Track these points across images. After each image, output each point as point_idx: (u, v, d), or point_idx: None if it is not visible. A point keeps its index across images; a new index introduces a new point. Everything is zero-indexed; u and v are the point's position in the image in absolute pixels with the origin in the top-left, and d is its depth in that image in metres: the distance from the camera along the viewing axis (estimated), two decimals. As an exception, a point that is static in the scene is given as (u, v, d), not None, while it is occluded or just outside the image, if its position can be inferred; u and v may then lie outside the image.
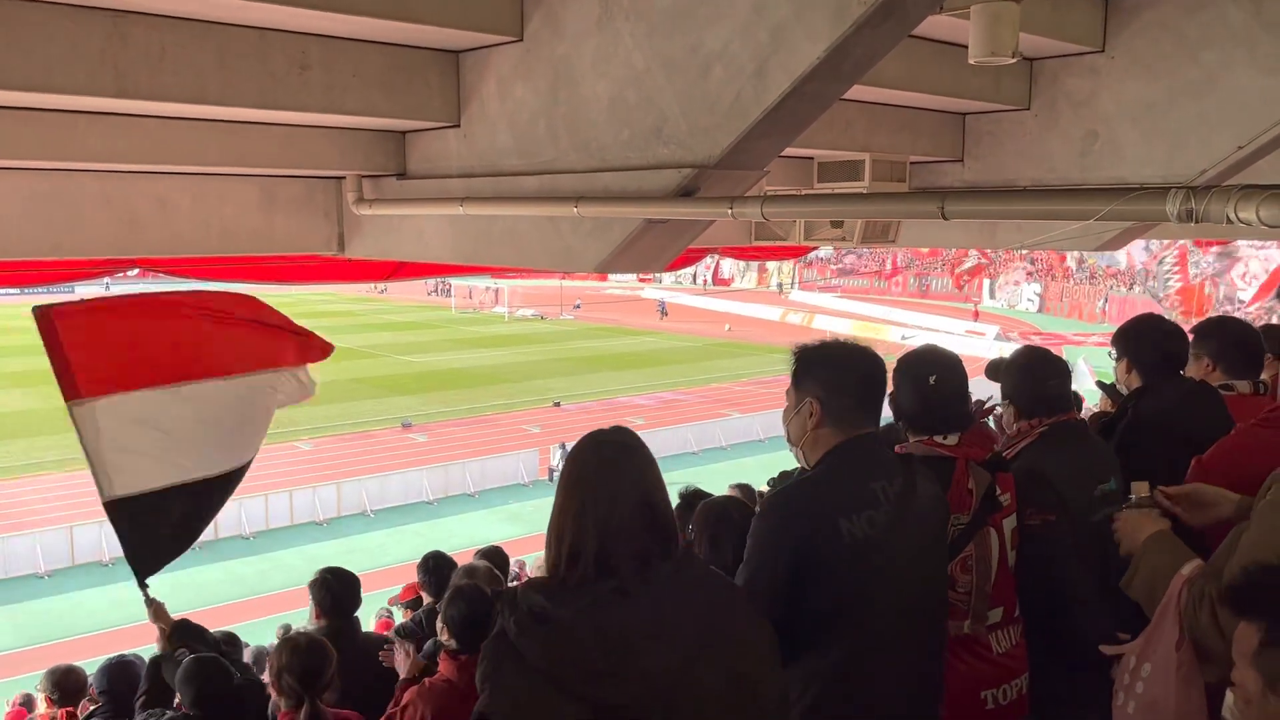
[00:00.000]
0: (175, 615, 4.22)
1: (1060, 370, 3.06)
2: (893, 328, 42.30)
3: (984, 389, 3.40)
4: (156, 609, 4.12)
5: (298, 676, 3.26)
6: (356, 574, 4.41)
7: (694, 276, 70.27)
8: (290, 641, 3.42)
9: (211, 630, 4.72)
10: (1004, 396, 3.11)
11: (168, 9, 3.72)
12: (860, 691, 2.23)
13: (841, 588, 2.19)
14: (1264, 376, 3.44)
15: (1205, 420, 2.99)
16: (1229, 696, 1.42)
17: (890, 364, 2.54)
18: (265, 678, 3.53)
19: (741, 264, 69.02)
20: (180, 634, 3.99)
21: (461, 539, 17.22)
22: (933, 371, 2.72)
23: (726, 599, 2.02)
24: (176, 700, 4.00)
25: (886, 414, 2.82)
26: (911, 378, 2.73)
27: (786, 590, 2.15)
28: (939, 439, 2.70)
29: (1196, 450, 2.85)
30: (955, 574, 2.65)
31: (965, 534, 2.64)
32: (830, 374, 2.34)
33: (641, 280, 71.39)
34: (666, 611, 1.87)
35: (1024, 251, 51.23)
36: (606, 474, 1.92)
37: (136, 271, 7.50)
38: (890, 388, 2.75)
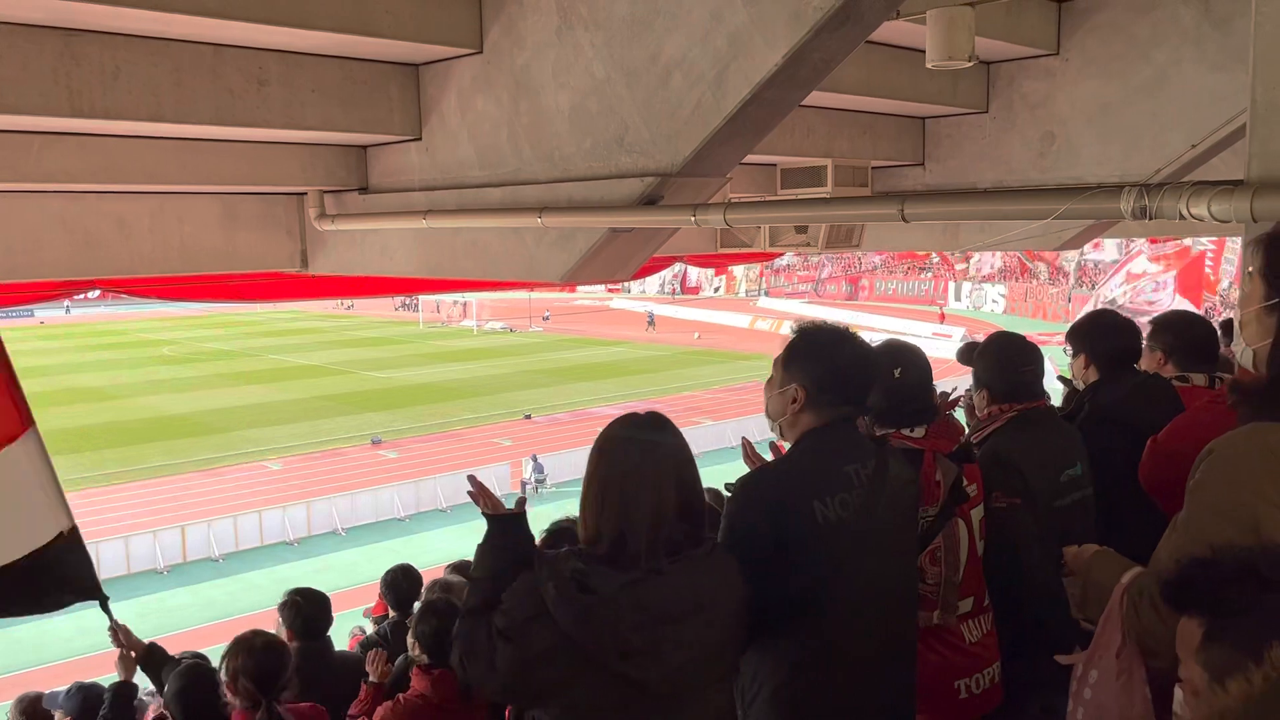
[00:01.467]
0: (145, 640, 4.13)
1: (1035, 357, 3.09)
2: (860, 332, 42.51)
3: (948, 382, 3.43)
4: (125, 634, 3.94)
5: (254, 678, 3.18)
6: (329, 593, 4.36)
7: (662, 285, 70.40)
8: (245, 642, 3.31)
9: (179, 653, 4.64)
10: (976, 381, 3.13)
11: (121, 27, 3.69)
12: (831, 674, 2.24)
13: (815, 569, 2.20)
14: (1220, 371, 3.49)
15: (1158, 411, 3.03)
16: (1178, 693, 1.43)
17: None
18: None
19: (709, 271, 69.27)
20: (149, 659, 3.87)
21: (435, 555, 17.07)
22: (896, 364, 2.75)
23: (740, 577, 2.09)
24: None
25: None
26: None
27: (761, 570, 2.16)
28: (905, 432, 2.72)
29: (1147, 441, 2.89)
30: (924, 566, 2.66)
31: (933, 526, 2.66)
32: (820, 367, 2.36)
33: (610, 290, 71.43)
34: (703, 590, 1.95)
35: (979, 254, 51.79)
36: (651, 465, 1.97)
37: (97, 293, 7.40)
38: None
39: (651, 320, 56.81)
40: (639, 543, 1.90)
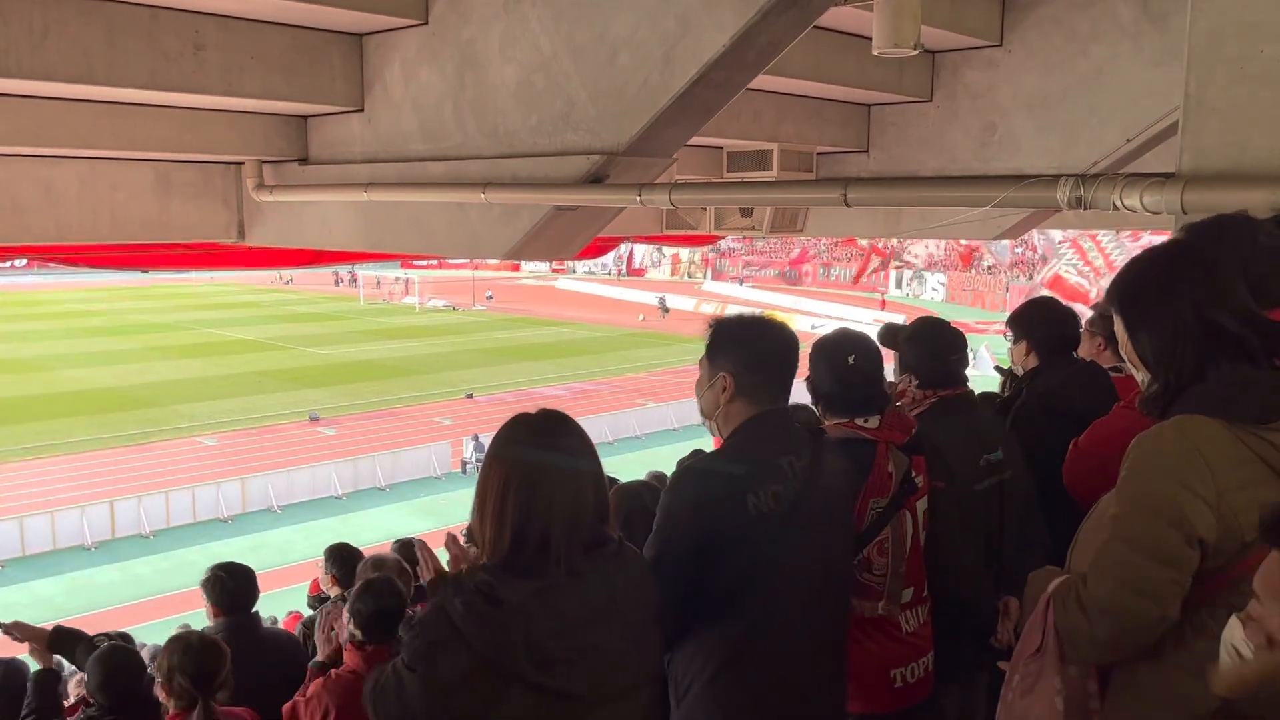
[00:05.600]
0: (52, 624, 3.97)
1: (962, 345, 3.14)
2: (802, 316, 42.97)
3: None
4: (19, 628, 3.71)
5: (191, 677, 3.10)
6: (263, 572, 4.28)
7: (607, 266, 70.31)
8: (182, 640, 3.25)
9: (104, 631, 4.53)
10: (904, 365, 3.15)
11: (51, -16, 3.57)
12: (763, 664, 2.26)
13: (746, 561, 2.20)
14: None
15: (1093, 399, 3.10)
16: (1234, 630, 1.38)
17: (804, 349, 2.56)
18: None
19: (655, 254, 69.37)
20: (57, 642, 3.74)
21: (373, 534, 16.94)
22: (851, 352, 2.75)
23: (651, 576, 2.06)
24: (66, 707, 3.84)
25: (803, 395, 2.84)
26: (828, 358, 2.76)
27: (693, 563, 2.17)
28: (859, 421, 2.72)
29: (1083, 427, 2.96)
30: (871, 557, 2.68)
31: (883, 517, 2.67)
32: (743, 351, 2.35)
33: (555, 270, 71.15)
34: (617, 591, 1.89)
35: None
36: (568, 464, 1.89)
37: (25, 261, 7.18)
38: (806, 372, 2.77)
39: (665, 308, 52.29)
40: (559, 547, 1.81)
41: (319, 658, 3.64)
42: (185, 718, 3.09)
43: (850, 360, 2.74)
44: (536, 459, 1.88)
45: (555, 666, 1.79)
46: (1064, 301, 3.86)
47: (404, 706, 1.81)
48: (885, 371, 2.91)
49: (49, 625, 3.89)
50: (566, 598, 1.81)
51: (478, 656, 1.75)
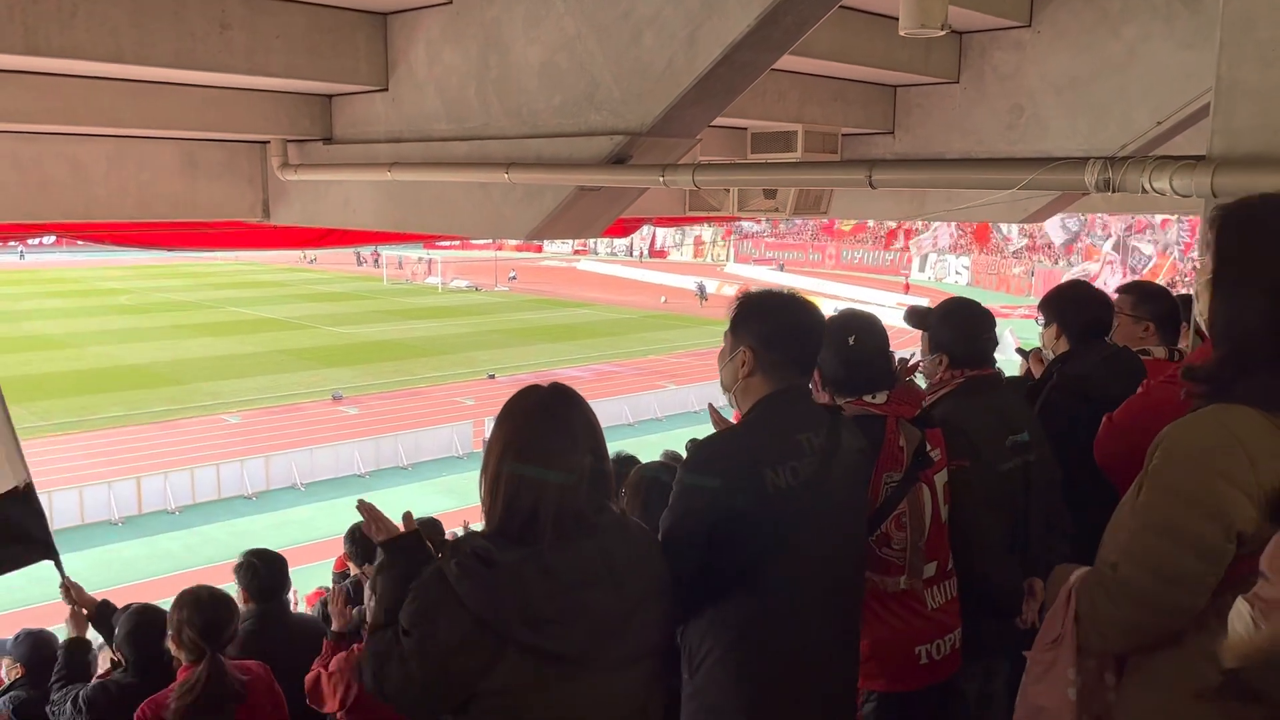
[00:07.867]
0: (97, 594, 4.11)
1: (993, 325, 3.14)
2: (825, 300, 42.79)
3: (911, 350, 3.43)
4: (77, 591, 3.93)
5: (200, 630, 3.18)
6: (287, 549, 4.32)
7: (630, 248, 70.21)
8: (191, 594, 3.31)
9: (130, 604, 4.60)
10: (935, 345, 3.13)
11: (78, -37, 3.58)
12: (777, 640, 2.26)
13: (762, 537, 2.21)
14: (1181, 344, 3.55)
15: (1124, 384, 3.07)
16: (1242, 607, 1.40)
17: None
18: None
19: (677, 235, 69.21)
20: (102, 617, 3.85)
21: (395, 512, 16.94)
22: (851, 332, 2.75)
23: (658, 551, 2.07)
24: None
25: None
26: (830, 341, 2.75)
27: (707, 537, 2.18)
28: (868, 398, 2.73)
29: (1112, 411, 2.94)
30: (890, 531, 2.68)
31: (898, 491, 2.68)
32: (766, 326, 2.35)
33: (577, 251, 71.15)
34: (614, 558, 1.90)
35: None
36: (566, 436, 1.92)
37: (53, 238, 7.25)
38: None
39: (704, 294, 50.83)
40: (548, 518, 1.84)
41: (334, 627, 3.69)
42: (194, 670, 3.14)
43: (851, 341, 2.74)
44: (535, 432, 1.91)
45: (548, 627, 1.81)
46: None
47: (404, 673, 1.84)
48: (911, 351, 2.90)
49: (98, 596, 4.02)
50: (559, 561, 1.83)
51: (474, 618, 1.79)
